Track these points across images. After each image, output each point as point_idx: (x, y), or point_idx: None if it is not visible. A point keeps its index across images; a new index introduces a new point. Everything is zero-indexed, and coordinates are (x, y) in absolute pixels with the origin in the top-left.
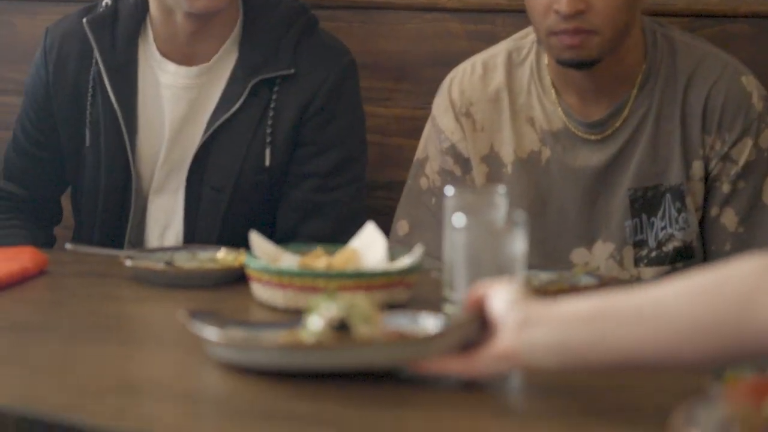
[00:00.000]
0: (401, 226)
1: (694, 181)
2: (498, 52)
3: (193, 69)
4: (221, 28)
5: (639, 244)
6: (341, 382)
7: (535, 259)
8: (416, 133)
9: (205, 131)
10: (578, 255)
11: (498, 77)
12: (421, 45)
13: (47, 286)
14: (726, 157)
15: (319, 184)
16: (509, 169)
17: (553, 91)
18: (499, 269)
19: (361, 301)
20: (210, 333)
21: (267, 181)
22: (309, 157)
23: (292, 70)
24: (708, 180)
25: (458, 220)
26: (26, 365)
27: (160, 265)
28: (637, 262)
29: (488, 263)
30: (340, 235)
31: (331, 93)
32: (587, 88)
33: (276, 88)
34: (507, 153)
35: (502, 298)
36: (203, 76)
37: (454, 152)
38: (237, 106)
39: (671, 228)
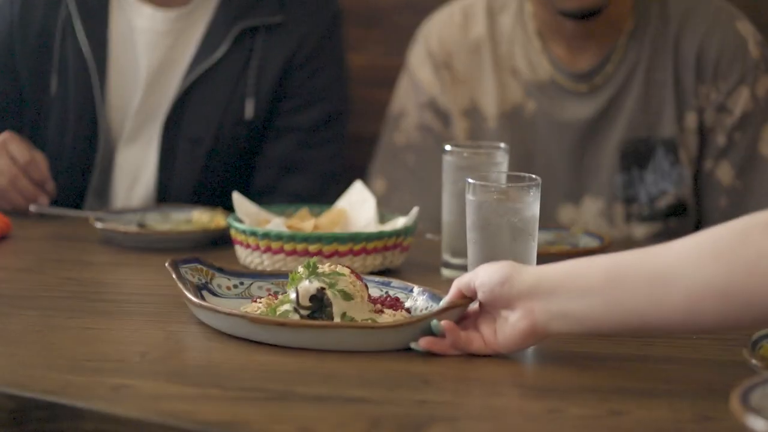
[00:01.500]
0: (378, 185)
1: (687, 133)
2: None
3: (171, 13)
4: None
5: (630, 200)
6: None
7: None
8: (387, 82)
9: (184, 79)
10: (565, 212)
11: (478, 26)
12: None
13: (14, 252)
14: (721, 108)
15: (301, 139)
16: (492, 123)
17: (538, 40)
18: (511, 231)
19: (343, 274)
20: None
21: (247, 134)
22: (292, 110)
23: (279, 18)
24: (702, 132)
25: (467, 180)
26: (8, 342)
27: (133, 227)
28: (628, 218)
29: (500, 225)
30: (320, 193)
31: (318, 44)
32: (576, 37)
33: (261, 37)
34: (489, 106)
35: (489, 279)
36: (181, 21)
37: (433, 106)
38: (219, 54)
39: (664, 183)
